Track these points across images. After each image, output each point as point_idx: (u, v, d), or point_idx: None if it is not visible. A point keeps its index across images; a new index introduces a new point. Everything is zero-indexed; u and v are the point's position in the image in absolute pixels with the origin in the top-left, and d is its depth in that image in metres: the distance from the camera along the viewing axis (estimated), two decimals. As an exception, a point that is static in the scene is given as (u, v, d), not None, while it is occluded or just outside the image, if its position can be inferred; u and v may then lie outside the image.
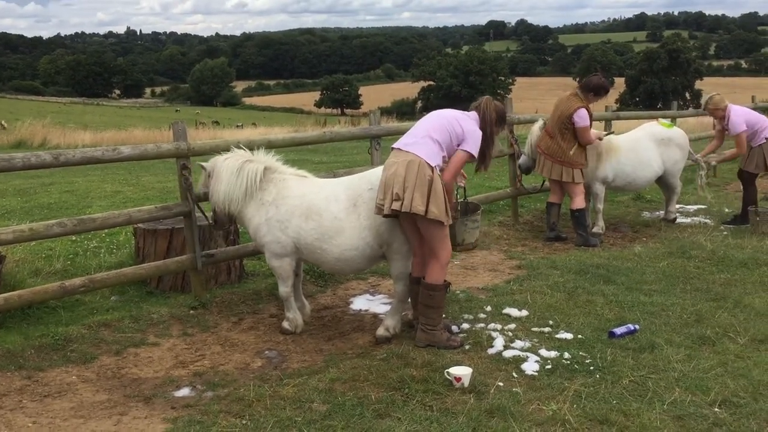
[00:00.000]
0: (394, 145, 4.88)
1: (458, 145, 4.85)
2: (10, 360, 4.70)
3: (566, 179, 7.74)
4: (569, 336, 5.01)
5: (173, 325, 5.46)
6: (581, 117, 7.55)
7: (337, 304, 6.04)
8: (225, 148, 5.80)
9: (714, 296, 5.86)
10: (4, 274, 5.54)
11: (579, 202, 7.82)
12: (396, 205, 4.55)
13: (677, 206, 9.34)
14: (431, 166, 4.67)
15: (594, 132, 7.88)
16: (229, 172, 5.14)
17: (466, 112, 5.04)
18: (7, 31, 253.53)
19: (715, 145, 9.15)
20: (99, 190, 11.79)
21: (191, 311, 5.70)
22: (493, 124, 5.03)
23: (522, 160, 8.46)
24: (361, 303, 6.02)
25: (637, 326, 5.12)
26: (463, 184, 5.27)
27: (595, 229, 8.33)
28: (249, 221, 5.22)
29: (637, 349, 4.77)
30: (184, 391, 4.38)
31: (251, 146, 5.82)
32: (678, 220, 8.95)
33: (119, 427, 3.90)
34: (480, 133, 4.90)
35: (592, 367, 4.49)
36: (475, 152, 4.88)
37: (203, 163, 5.35)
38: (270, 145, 6.08)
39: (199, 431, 3.77)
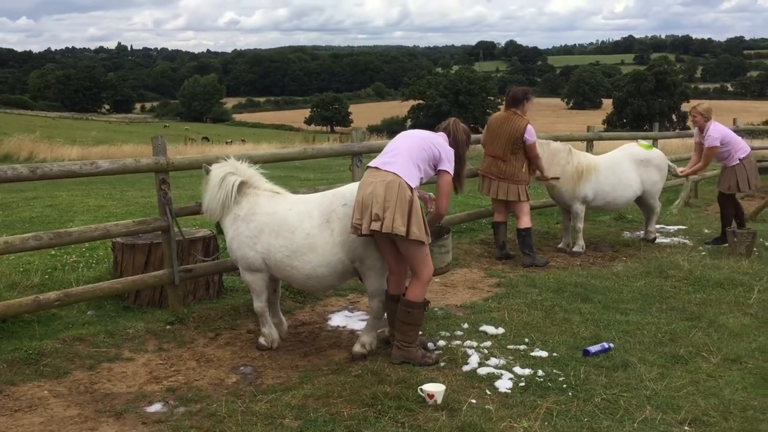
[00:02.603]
0: (371, 164, 4.90)
1: (434, 167, 4.91)
2: (-18, 374, 4.66)
3: (512, 198, 7.80)
4: (544, 354, 5.03)
5: (149, 341, 5.44)
6: (531, 133, 7.69)
7: (315, 320, 6.04)
8: (202, 163, 5.82)
9: (689, 316, 5.90)
10: (-21, 287, 5.51)
11: (526, 222, 7.86)
12: (375, 226, 4.56)
13: (657, 226, 9.42)
14: (410, 187, 4.71)
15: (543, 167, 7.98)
16: (213, 183, 5.17)
17: (436, 133, 5.10)
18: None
19: (695, 162, 9.11)
20: (82, 204, 11.75)
21: (168, 326, 5.68)
22: (463, 145, 5.12)
23: None
24: (339, 319, 6.02)
25: (611, 345, 5.15)
26: (430, 208, 5.27)
27: (575, 248, 8.39)
28: (225, 234, 5.25)
29: (611, 368, 4.79)
30: (157, 407, 4.35)
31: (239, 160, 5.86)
32: (658, 240, 9.03)
33: (89, 442, 3.88)
34: (453, 151, 4.98)
35: (565, 385, 4.51)
36: (453, 171, 4.95)
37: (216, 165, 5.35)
38: (251, 161, 6.11)
39: (168, 447, 3.75)
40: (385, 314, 5.14)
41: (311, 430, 3.92)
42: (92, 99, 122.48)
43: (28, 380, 4.68)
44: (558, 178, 8.10)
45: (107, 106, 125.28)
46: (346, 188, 5.09)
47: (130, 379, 4.80)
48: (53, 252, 7.71)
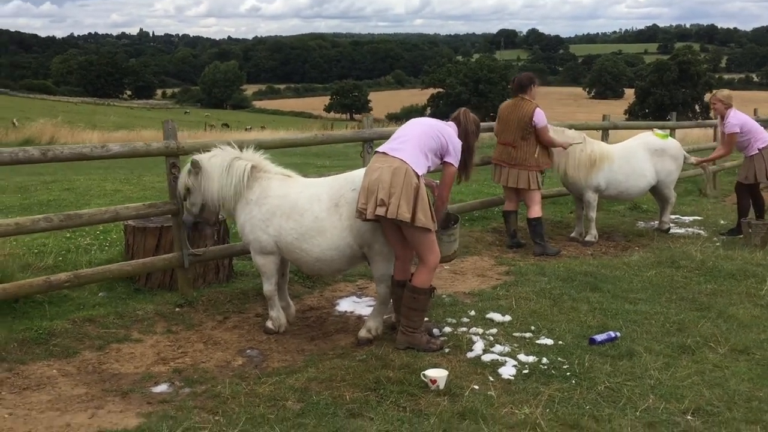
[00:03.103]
0: (379, 149, 4.91)
1: (442, 157, 4.90)
2: (-7, 352, 4.74)
3: (522, 186, 7.75)
4: (549, 342, 5.03)
5: (158, 323, 5.50)
6: (540, 117, 7.63)
7: (323, 305, 6.07)
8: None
9: (699, 306, 5.86)
10: (-8, 267, 5.60)
11: (536, 211, 7.82)
12: (380, 211, 4.57)
13: (672, 216, 9.34)
14: (417, 174, 4.71)
15: (562, 140, 7.89)
16: (220, 171, 5.17)
17: (446, 122, 5.10)
18: (22, 30, 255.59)
19: (719, 152, 9.03)
20: (99, 188, 11.87)
21: (177, 309, 5.74)
22: (473, 136, 5.13)
23: None
24: (346, 305, 6.05)
25: (618, 334, 5.13)
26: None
27: (587, 238, 8.34)
28: (237, 219, 5.28)
29: (616, 356, 4.77)
30: (162, 387, 4.41)
31: (240, 145, 5.87)
32: (672, 231, 8.95)
33: (93, 420, 3.94)
34: (460, 143, 4.97)
35: (568, 373, 4.50)
36: (457, 164, 4.97)
37: (196, 157, 5.28)
38: (260, 146, 6.13)
39: (171, 426, 3.79)
40: (391, 300, 5.16)
41: (313, 412, 3.95)
42: (114, 85, 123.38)
43: (37, 359, 4.76)
44: (580, 142, 8.03)
45: (129, 92, 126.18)
46: (356, 173, 5.10)
47: (137, 360, 4.87)
48: (68, 234, 7.80)
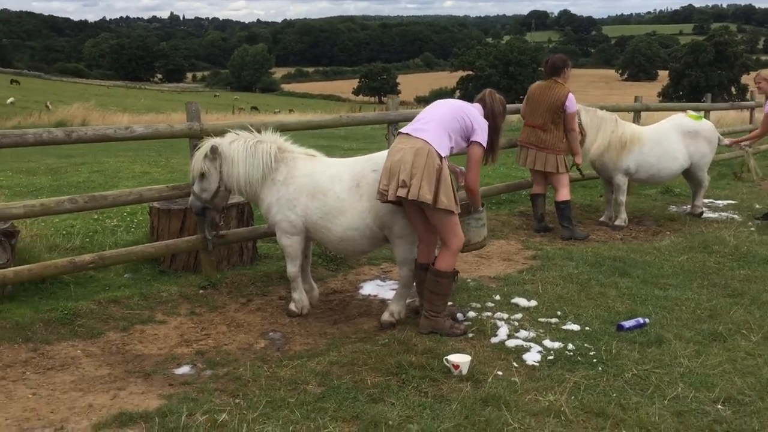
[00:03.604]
0: (402, 130, 4.83)
1: (467, 138, 4.81)
2: (19, 332, 4.78)
3: (550, 169, 7.60)
4: (576, 327, 4.92)
5: (182, 304, 5.51)
6: (572, 102, 7.48)
7: (346, 288, 6.03)
8: (237, 129, 5.82)
9: (731, 292, 5.70)
10: (19, 248, 5.64)
11: (564, 194, 7.67)
12: (402, 192, 4.51)
13: (706, 200, 9.13)
14: (440, 156, 4.62)
15: (577, 145, 7.71)
16: (245, 155, 5.13)
17: (472, 104, 4.99)
18: (55, 14, 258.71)
19: (755, 133, 8.77)
20: (128, 170, 11.96)
21: (201, 291, 5.74)
22: (500, 116, 5.03)
23: None
24: (370, 288, 6.00)
25: (647, 320, 5.01)
26: (461, 182, 5.16)
27: (617, 222, 8.18)
28: (262, 201, 5.24)
29: (644, 343, 4.66)
30: (184, 369, 4.41)
31: (258, 128, 5.84)
32: (705, 215, 8.74)
33: (115, 401, 3.94)
34: (486, 123, 4.87)
35: (595, 360, 4.40)
36: (485, 143, 4.85)
37: (214, 142, 5.24)
38: (283, 128, 6.08)
39: (192, 408, 3.78)
40: (414, 283, 5.10)
41: (333, 396, 3.91)
42: (145, 68, 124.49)
43: (62, 339, 4.79)
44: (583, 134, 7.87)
45: (159, 76, 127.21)
46: (378, 154, 5.06)
47: (161, 342, 4.88)
48: (95, 216, 7.86)
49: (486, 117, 4.95)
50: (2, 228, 5.25)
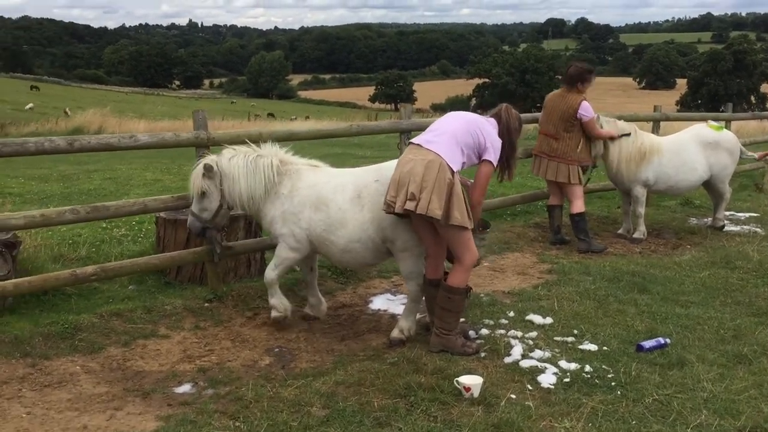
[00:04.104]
0: (413, 140, 4.67)
1: (479, 155, 4.64)
2: (17, 347, 4.65)
3: (562, 180, 7.40)
4: (593, 347, 4.72)
5: (186, 318, 5.36)
6: (586, 110, 7.27)
7: (355, 302, 5.86)
8: (244, 138, 5.68)
9: (756, 311, 5.47)
10: (22, 259, 5.53)
11: (579, 206, 7.46)
12: (410, 205, 4.34)
13: (727, 213, 8.88)
14: (452, 170, 4.45)
15: (609, 130, 7.50)
16: (246, 170, 4.97)
17: (486, 118, 4.82)
18: (75, 21, 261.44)
19: None
20: (140, 177, 11.89)
21: (206, 304, 5.59)
22: (516, 133, 4.86)
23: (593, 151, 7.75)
24: (380, 302, 5.83)
25: (668, 340, 4.80)
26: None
27: (636, 235, 7.96)
28: (265, 215, 5.08)
29: (666, 365, 4.45)
30: (185, 388, 4.26)
31: (273, 138, 5.69)
32: (726, 228, 8.49)
33: (111, 422, 3.80)
34: (500, 141, 4.69)
35: (613, 383, 4.20)
36: (496, 162, 4.69)
37: (209, 160, 5.05)
38: (293, 137, 5.95)
39: (190, 431, 3.63)
40: (423, 299, 4.92)
41: (338, 420, 3.74)
42: (163, 74, 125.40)
43: (62, 354, 4.65)
44: (629, 134, 7.64)
45: (177, 82, 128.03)
46: (383, 164, 4.91)
47: (163, 357, 4.73)
48: (104, 225, 7.75)
49: (501, 133, 4.77)
50: (3, 239, 5.13)
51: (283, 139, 6.17)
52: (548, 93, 7.86)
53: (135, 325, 5.16)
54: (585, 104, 7.26)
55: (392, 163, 4.77)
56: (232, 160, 5.01)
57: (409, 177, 4.37)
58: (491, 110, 5.00)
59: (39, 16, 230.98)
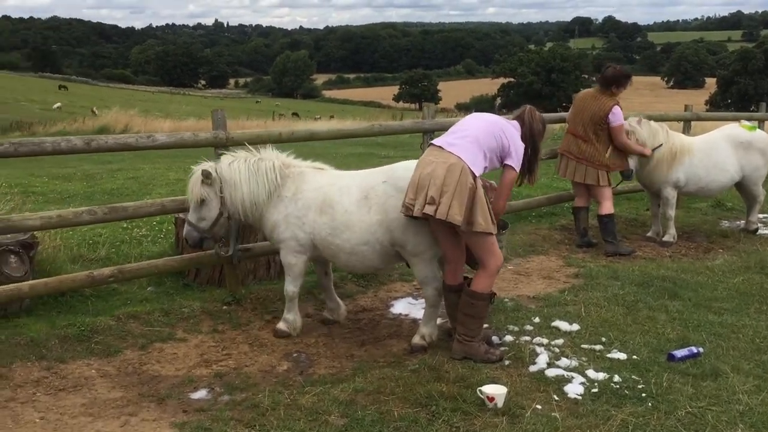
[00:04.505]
0: (434, 142, 4.52)
1: (501, 159, 4.49)
2: (33, 349, 4.59)
3: (590, 182, 7.19)
4: (622, 356, 4.54)
5: (204, 321, 5.27)
6: (616, 115, 7.05)
7: (376, 306, 5.73)
8: (265, 138, 5.59)
9: (793, 319, 5.25)
10: (40, 260, 5.49)
11: (607, 207, 7.24)
12: (429, 210, 4.19)
13: (760, 216, 8.61)
14: (474, 174, 4.30)
15: (638, 148, 7.25)
16: (248, 174, 4.82)
17: (509, 120, 4.66)
18: (103, 22, 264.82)
19: None
20: (163, 177, 11.86)
21: (224, 307, 5.50)
22: (539, 136, 4.71)
23: (632, 164, 7.39)
24: (401, 307, 5.69)
25: (701, 349, 4.61)
26: (491, 197, 4.82)
27: (665, 238, 7.74)
28: (267, 220, 4.91)
29: (699, 376, 4.26)
30: (201, 393, 4.16)
31: (294, 138, 5.60)
32: (760, 232, 8.23)
33: (125, 429, 3.71)
34: (523, 146, 4.54)
35: (644, 394, 4.03)
36: (518, 168, 4.56)
37: (207, 166, 4.88)
38: (314, 137, 5.84)
39: (204, 440, 3.53)
40: (443, 304, 4.78)
41: (356, 429, 3.62)
42: (189, 74, 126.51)
43: (78, 358, 4.58)
44: (661, 145, 7.40)
45: (203, 82, 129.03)
46: (391, 166, 4.79)
47: (179, 362, 4.64)
48: (124, 225, 7.70)
49: (524, 136, 4.61)
50: (21, 239, 5.09)
51: (304, 139, 6.09)
52: (574, 92, 7.66)
53: (152, 327, 5.08)
54: (616, 109, 7.05)
55: (401, 165, 4.68)
56: (233, 165, 4.85)
57: (429, 180, 4.23)
58: (514, 112, 4.85)
59: (68, 17, 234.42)
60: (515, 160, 4.50)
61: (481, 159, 4.37)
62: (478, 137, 4.41)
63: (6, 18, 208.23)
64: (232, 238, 5.50)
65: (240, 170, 4.81)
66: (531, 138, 4.65)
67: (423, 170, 4.30)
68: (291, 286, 4.98)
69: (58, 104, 47.05)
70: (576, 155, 7.23)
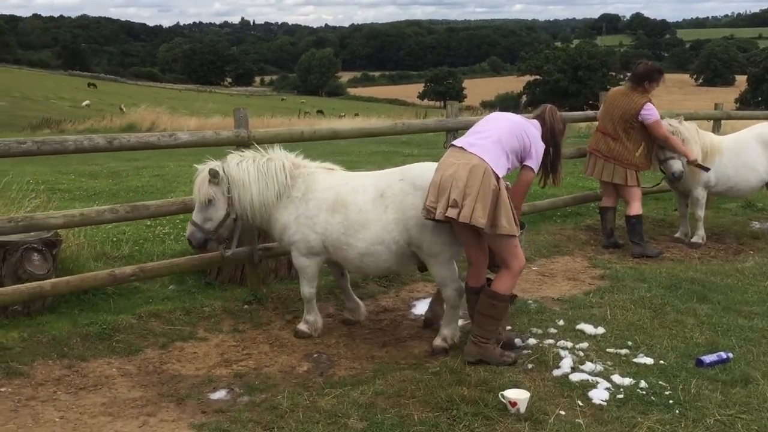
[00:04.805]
0: (456, 143, 4.45)
1: (522, 159, 4.42)
2: (55, 347, 4.61)
3: (619, 181, 7.04)
4: (649, 361, 4.44)
5: (225, 320, 5.26)
6: (650, 111, 6.89)
7: (398, 306, 5.68)
8: (287, 137, 5.57)
9: (827, 324, 5.10)
10: (64, 257, 5.51)
11: (636, 208, 7.09)
12: (452, 213, 4.11)
13: (793, 217, 8.40)
14: (497, 176, 4.23)
15: (682, 146, 7.07)
16: (257, 174, 4.75)
17: (530, 120, 4.58)
18: (132, 20, 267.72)
19: None
20: (188, 175, 11.80)
21: (245, 306, 5.49)
22: (560, 135, 4.62)
23: (677, 166, 7.11)
24: (423, 307, 5.61)
25: (730, 354, 4.49)
26: None
27: (694, 239, 7.58)
28: (276, 221, 4.84)
29: (728, 382, 4.15)
30: (220, 394, 4.15)
31: (317, 136, 5.56)
32: (792, 233, 8.03)
33: (144, 429, 3.71)
34: (543, 146, 4.47)
35: (671, 401, 3.92)
36: (537, 169, 4.49)
37: (214, 165, 4.80)
38: (336, 136, 5.81)
39: (222, 441, 3.50)
40: (467, 308, 4.72)
41: (376, 433, 3.57)
42: (216, 72, 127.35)
43: (99, 356, 4.59)
44: (708, 168, 7.20)
45: (229, 80, 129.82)
46: (407, 166, 4.73)
47: (200, 361, 4.63)
48: (149, 223, 7.73)
49: (544, 136, 4.53)
50: (44, 237, 5.11)
51: (326, 137, 6.05)
52: (601, 90, 7.53)
53: (173, 326, 5.08)
54: (649, 105, 6.90)
55: (417, 165, 4.65)
56: (241, 165, 4.77)
57: (451, 182, 4.15)
58: (534, 111, 4.76)
59: (97, 15, 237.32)
60: (534, 161, 4.42)
61: (504, 160, 4.30)
62: (501, 138, 4.33)
63: (36, 17, 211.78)
64: (254, 236, 5.48)
65: (249, 170, 4.74)
66: (552, 138, 4.57)
67: (444, 172, 4.22)
68: (307, 288, 4.94)
69: (87, 102, 47.64)
70: (605, 154, 7.09)
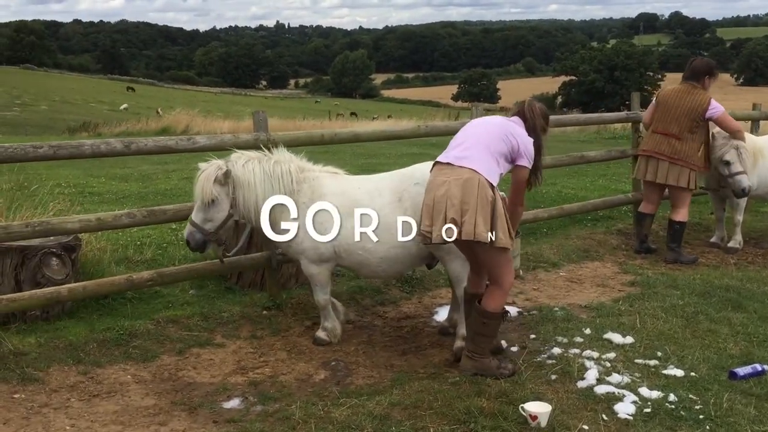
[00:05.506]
0: (440, 159, 4.22)
1: (512, 161, 4.21)
2: (71, 353, 4.58)
3: (682, 184, 6.74)
4: (679, 373, 4.24)
5: (243, 326, 5.19)
6: (716, 106, 6.69)
7: (420, 313, 5.55)
8: (306, 140, 5.48)
9: None
10: (84, 261, 5.50)
11: (684, 214, 6.85)
12: (451, 234, 3.93)
13: (836, 221, 8.06)
14: (491, 185, 4.05)
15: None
16: (263, 176, 4.62)
17: (511, 119, 4.36)
18: (169, 24, 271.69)
19: None
20: (216, 177, 11.91)
21: (264, 311, 5.41)
22: (542, 132, 4.38)
23: (746, 182, 6.76)
24: (446, 314, 5.47)
25: (766, 367, 4.28)
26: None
27: (731, 244, 7.31)
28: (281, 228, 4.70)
29: (763, 397, 3.95)
30: (234, 403, 4.07)
31: (337, 140, 5.46)
32: (835, 238, 7.70)
33: (153, 438, 3.63)
34: (531, 141, 4.25)
35: (702, 416, 3.73)
36: (531, 166, 4.26)
37: (220, 162, 4.65)
38: (356, 139, 5.70)
39: (231, 453, 3.42)
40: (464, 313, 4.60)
41: (389, 447, 3.45)
42: (251, 75, 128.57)
43: (115, 362, 4.54)
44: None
45: (264, 82, 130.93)
46: (415, 167, 4.66)
47: (216, 368, 4.56)
48: (173, 226, 7.71)
49: (528, 134, 4.29)
50: (63, 242, 5.09)
51: (346, 140, 5.96)
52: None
53: (191, 332, 5.02)
54: (714, 103, 6.71)
55: (424, 166, 4.53)
56: (247, 166, 4.64)
57: (445, 201, 3.97)
58: (512, 108, 4.55)
59: (135, 20, 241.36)
60: (526, 159, 4.20)
61: (495, 167, 4.10)
62: (488, 144, 4.13)
63: (77, 22, 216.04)
64: (241, 241, 5.33)
65: (255, 171, 4.62)
66: (534, 134, 4.29)
67: (436, 192, 4.03)
68: (321, 295, 4.84)
69: (125, 105, 48.43)
70: (669, 155, 6.76)
